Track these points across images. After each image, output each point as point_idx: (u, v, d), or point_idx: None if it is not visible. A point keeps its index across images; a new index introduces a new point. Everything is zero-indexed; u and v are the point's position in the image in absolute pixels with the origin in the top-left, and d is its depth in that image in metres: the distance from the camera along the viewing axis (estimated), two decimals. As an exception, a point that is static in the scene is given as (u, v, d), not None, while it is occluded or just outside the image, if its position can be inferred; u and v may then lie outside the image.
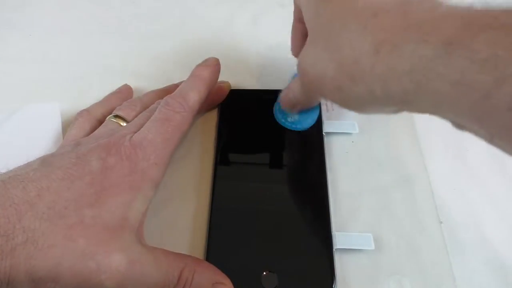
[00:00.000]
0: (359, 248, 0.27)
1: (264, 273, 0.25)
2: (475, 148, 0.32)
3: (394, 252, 0.27)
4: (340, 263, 0.26)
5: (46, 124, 0.32)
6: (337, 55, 0.21)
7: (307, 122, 0.30)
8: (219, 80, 0.31)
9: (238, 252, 0.26)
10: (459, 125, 0.19)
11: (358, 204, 0.29)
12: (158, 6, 0.42)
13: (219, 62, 0.31)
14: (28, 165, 0.23)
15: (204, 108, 0.33)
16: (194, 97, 0.28)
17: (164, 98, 0.28)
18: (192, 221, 0.28)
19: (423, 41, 0.17)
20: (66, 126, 0.32)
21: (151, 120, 0.27)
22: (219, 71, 0.31)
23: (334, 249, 0.26)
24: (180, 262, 0.23)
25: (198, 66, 0.30)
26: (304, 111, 0.30)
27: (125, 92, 0.34)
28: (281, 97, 0.30)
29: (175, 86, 0.33)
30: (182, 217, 0.29)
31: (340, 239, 0.27)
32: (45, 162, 0.24)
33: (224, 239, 0.26)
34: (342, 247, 0.26)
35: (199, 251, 0.27)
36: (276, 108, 0.31)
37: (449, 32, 0.16)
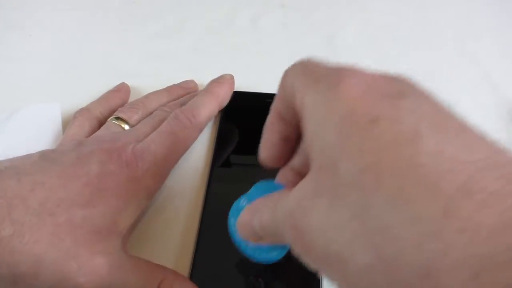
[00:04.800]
0: None
1: (252, 280, 0.24)
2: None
3: None
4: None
5: (46, 124, 0.32)
6: (386, 245, 0.12)
7: (271, 255, 0.21)
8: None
9: (226, 258, 0.26)
10: None
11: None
12: (158, 6, 0.42)
13: (234, 79, 0.31)
14: (27, 156, 0.23)
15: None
16: (204, 114, 0.28)
17: (175, 110, 0.28)
18: (183, 225, 0.28)
19: None
20: (66, 126, 0.32)
21: (157, 131, 0.26)
22: (233, 88, 0.31)
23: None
24: (159, 274, 0.23)
25: (213, 82, 0.31)
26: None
27: (123, 91, 0.34)
28: (240, 219, 0.19)
29: (176, 87, 0.34)
30: (174, 221, 0.28)
31: None
32: (44, 156, 0.23)
33: (213, 245, 0.26)
34: None
35: (188, 256, 0.26)
36: (230, 221, 0.21)
37: None
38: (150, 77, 0.36)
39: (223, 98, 0.30)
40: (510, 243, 0.10)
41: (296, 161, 0.20)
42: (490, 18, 0.42)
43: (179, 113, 0.27)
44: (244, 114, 0.33)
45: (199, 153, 0.32)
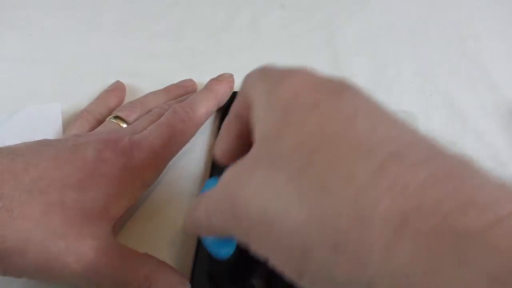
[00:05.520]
0: None
1: (253, 281, 0.24)
2: (475, 149, 0.32)
3: None
4: None
5: (46, 125, 0.32)
6: (319, 202, 0.13)
7: (223, 251, 0.21)
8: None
9: (226, 264, 0.25)
10: None
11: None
12: (158, 6, 0.42)
13: (233, 78, 0.31)
14: (24, 143, 0.23)
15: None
16: (202, 109, 0.28)
17: (173, 105, 0.28)
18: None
19: None
20: (66, 126, 0.32)
21: (155, 124, 0.27)
22: (233, 87, 0.31)
23: None
24: (147, 263, 0.23)
25: (212, 80, 0.31)
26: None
27: (118, 89, 0.34)
28: (186, 212, 0.20)
29: (175, 86, 0.34)
30: (175, 220, 0.28)
31: None
32: (41, 142, 0.24)
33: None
34: None
35: (189, 255, 0.26)
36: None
37: None
38: (150, 77, 0.36)
39: (221, 96, 0.30)
40: (434, 197, 0.11)
41: None
42: (491, 18, 0.42)
43: (178, 108, 0.28)
44: None
45: (199, 152, 0.32)
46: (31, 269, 0.20)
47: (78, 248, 0.21)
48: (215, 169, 0.30)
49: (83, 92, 0.35)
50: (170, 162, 0.27)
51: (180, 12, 0.42)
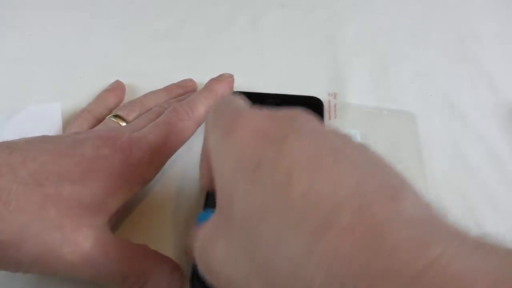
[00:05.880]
0: None
1: None
2: (475, 149, 0.32)
3: None
4: None
5: (46, 124, 0.32)
6: (267, 275, 0.15)
7: None
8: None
9: None
10: None
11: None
12: (158, 6, 0.42)
13: (233, 78, 0.32)
14: (23, 138, 0.23)
15: None
16: (201, 108, 0.28)
17: (173, 104, 0.28)
18: (186, 221, 0.28)
19: None
20: (66, 126, 0.32)
21: (154, 122, 0.27)
22: (232, 87, 0.31)
23: None
24: (144, 255, 0.23)
25: (212, 79, 0.31)
26: None
27: (118, 88, 0.34)
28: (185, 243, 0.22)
29: (175, 86, 0.34)
30: (177, 217, 0.28)
31: None
32: (40, 138, 0.24)
33: None
34: None
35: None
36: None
37: None
38: (150, 77, 0.36)
39: (221, 95, 0.30)
40: (357, 269, 0.12)
41: None
42: (491, 18, 0.42)
43: (177, 106, 0.28)
44: None
45: (199, 152, 0.32)
46: (27, 262, 0.20)
47: (74, 239, 0.21)
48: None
49: (83, 92, 0.35)
50: (171, 161, 0.27)
51: (180, 12, 0.42)
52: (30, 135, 0.32)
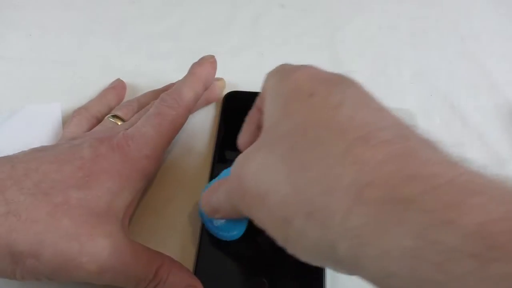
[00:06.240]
0: None
1: (254, 279, 0.25)
2: (475, 149, 0.32)
3: None
4: (332, 272, 0.26)
5: (46, 124, 0.32)
6: (297, 176, 0.16)
7: (233, 233, 0.25)
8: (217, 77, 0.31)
9: (229, 257, 0.26)
10: None
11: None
12: (158, 6, 0.42)
13: (215, 59, 0.31)
14: (21, 151, 0.24)
15: (201, 105, 0.33)
16: (189, 93, 0.28)
17: (161, 95, 0.28)
18: (187, 222, 0.28)
19: (446, 220, 0.12)
20: (66, 126, 0.32)
21: (145, 115, 0.27)
22: (216, 68, 0.31)
23: None
24: (158, 260, 0.23)
25: (194, 64, 0.31)
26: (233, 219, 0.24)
27: (119, 87, 0.34)
28: (203, 196, 0.24)
29: (174, 85, 0.34)
30: (178, 217, 0.28)
31: None
32: (38, 148, 0.24)
33: (216, 243, 0.26)
34: None
35: (191, 253, 0.26)
36: (200, 203, 0.25)
37: (490, 226, 0.11)
38: (150, 77, 0.36)
39: (205, 77, 0.30)
40: (386, 173, 0.14)
41: None
42: (490, 18, 0.42)
43: (165, 96, 0.28)
44: (243, 114, 0.33)
45: (200, 152, 0.32)
46: (48, 271, 0.20)
47: (92, 248, 0.21)
48: (215, 168, 0.30)
49: (83, 92, 0.35)
50: (171, 161, 0.27)
51: (180, 12, 0.42)
52: (30, 135, 0.32)
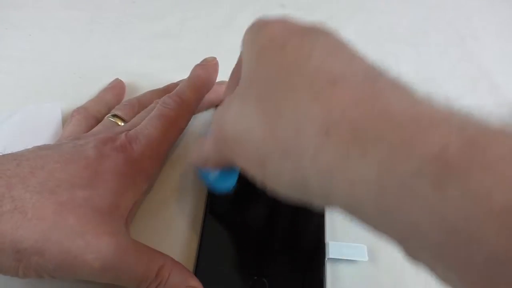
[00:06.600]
0: (353, 259, 0.26)
1: (254, 278, 0.25)
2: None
3: (388, 264, 0.27)
4: (333, 273, 0.26)
5: (46, 125, 0.32)
6: (271, 120, 0.17)
7: (225, 184, 0.26)
8: (219, 80, 0.31)
9: (229, 256, 0.26)
10: (413, 257, 0.14)
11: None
12: (158, 6, 0.42)
13: (217, 61, 0.31)
14: (25, 149, 0.24)
15: (203, 107, 0.33)
16: (191, 96, 0.28)
17: (162, 97, 0.28)
18: (187, 222, 0.28)
19: (402, 147, 0.13)
20: (66, 126, 0.32)
21: (148, 117, 0.27)
22: (217, 70, 0.31)
23: (326, 259, 0.26)
24: (159, 260, 0.23)
25: (196, 66, 0.31)
26: (223, 170, 0.26)
27: (118, 87, 0.34)
28: (194, 149, 0.25)
29: (175, 85, 0.34)
30: (178, 218, 0.28)
31: (333, 248, 0.26)
32: (42, 147, 0.24)
33: (217, 242, 0.26)
34: (335, 257, 0.26)
35: (192, 253, 0.26)
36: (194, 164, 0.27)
37: (443, 149, 0.12)
38: (150, 77, 0.36)
39: (207, 79, 0.30)
40: (351, 113, 0.15)
41: None
42: (490, 18, 0.42)
43: (166, 98, 0.28)
44: None
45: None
46: (51, 268, 0.21)
47: (96, 246, 0.21)
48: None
49: (83, 92, 0.35)
50: (172, 162, 0.27)
51: (180, 12, 0.42)
52: (30, 135, 0.32)
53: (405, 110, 0.14)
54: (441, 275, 0.13)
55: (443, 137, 0.12)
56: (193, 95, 0.29)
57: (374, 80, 0.16)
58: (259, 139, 0.17)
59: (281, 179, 0.17)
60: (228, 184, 0.25)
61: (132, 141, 0.25)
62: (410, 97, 0.15)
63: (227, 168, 0.24)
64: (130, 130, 0.26)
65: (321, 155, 0.15)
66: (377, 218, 0.14)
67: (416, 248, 0.13)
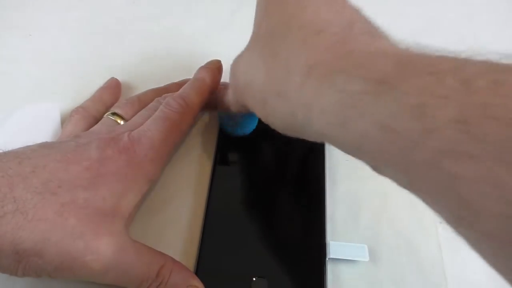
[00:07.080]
0: (353, 259, 0.26)
1: (255, 278, 0.25)
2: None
3: (389, 264, 0.27)
4: (333, 273, 0.26)
5: (46, 124, 0.32)
6: (269, 65, 0.20)
7: (247, 128, 0.30)
8: (222, 81, 0.31)
9: (230, 256, 0.26)
10: (377, 169, 0.17)
11: (355, 213, 0.29)
12: (158, 6, 0.42)
13: (221, 64, 0.31)
14: (26, 146, 0.24)
15: (206, 108, 0.33)
16: (194, 98, 0.28)
17: (166, 98, 0.28)
18: (188, 222, 0.28)
19: (356, 75, 0.16)
20: (66, 126, 0.32)
21: (151, 118, 0.27)
22: (221, 73, 0.31)
23: (327, 259, 0.26)
24: (160, 260, 0.23)
25: (201, 68, 0.31)
26: (245, 116, 0.29)
27: (114, 86, 0.34)
28: (217, 97, 0.30)
29: (175, 84, 0.34)
30: (179, 217, 0.28)
31: (334, 248, 0.26)
32: (44, 145, 0.24)
33: (217, 242, 0.26)
34: (336, 257, 0.26)
35: (193, 252, 0.27)
36: (219, 114, 0.32)
37: (383, 71, 0.15)
38: (149, 77, 0.36)
39: (212, 82, 0.30)
40: (329, 54, 0.18)
41: None
42: (490, 18, 0.42)
43: (170, 100, 0.28)
44: None
45: (201, 150, 0.32)
46: (50, 268, 0.21)
47: (96, 247, 0.21)
48: (217, 170, 0.30)
49: (83, 92, 0.35)
50: (173, 162, 0.27)
51: (180, 12, 0.42)
52: (29, 135, 0.32)
53: (365, 49, 0.17)
54: (402, 184, 0.15)
55: (383, 63, 0.16)
56: (198, 99, 0.29)
57: (352, 27, 0.19)
58: (261, 82, 0.20)
59: (277, 115, 0.20)
60: (245, 129, 0.30)
61: (135, 143, 0.25)
62: (376, 40, 0.18)
63: (245, 115, 0.28)
64: (132, 130, 0.26)
65: (303, 90, 0.18)
66: (342, 136, 0.17)
67: (374, 158, 0.16)
